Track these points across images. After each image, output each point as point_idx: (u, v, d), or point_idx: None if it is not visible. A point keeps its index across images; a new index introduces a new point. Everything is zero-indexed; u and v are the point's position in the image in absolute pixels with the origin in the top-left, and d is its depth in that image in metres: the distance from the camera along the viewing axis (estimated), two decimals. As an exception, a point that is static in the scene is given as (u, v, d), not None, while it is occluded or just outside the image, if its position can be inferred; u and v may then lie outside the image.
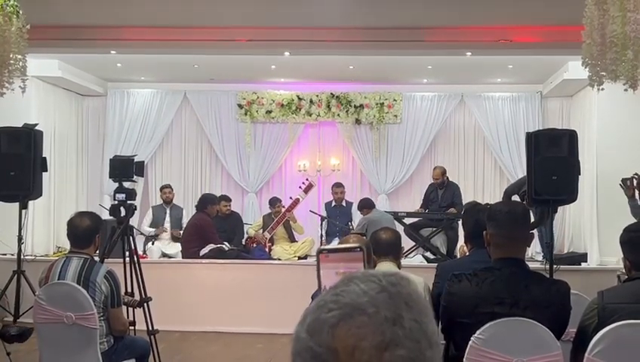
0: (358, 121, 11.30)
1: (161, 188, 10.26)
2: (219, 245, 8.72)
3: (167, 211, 10.01)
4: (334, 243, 9.09)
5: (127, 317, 4.86)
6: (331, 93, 11.29)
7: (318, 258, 1.38)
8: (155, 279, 6.66)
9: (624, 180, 6.23)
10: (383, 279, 0.95)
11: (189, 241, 8.79)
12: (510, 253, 3.12)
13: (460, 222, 8.79)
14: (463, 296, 3.11)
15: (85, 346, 4.08)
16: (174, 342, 7.26)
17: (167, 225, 9.91)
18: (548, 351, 2.96)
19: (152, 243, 9.45)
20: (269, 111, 11.32)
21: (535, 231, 8.67)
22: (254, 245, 9.47)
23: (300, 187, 9.97)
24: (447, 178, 9.85)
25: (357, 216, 10.03)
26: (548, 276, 5.63)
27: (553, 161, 5.78)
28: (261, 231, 9.71)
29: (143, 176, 7.36)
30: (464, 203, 9.08)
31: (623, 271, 4.40)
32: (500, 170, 11.09)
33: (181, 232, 9.53)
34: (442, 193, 9.76)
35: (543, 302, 3.01)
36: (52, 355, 4.20)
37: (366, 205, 9.34)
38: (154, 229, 9.72)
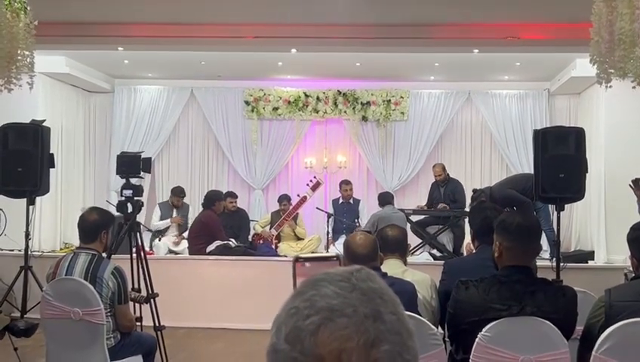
0: (364, 118, 11.29)
1: (175, 194, 10.06)
2: (225, 242, 8.73)
3: (174, 208, 10.01)
4: (341, 240, 9.10)
5: (134, 313, 4.86)
6: (338, 90, 11.29)
7: (294, 266, 1.36)
8: (162, 275, 6.67)
9: (635, 181, 6.16)
10: (352, 277, 0.93)
11: (196, 238, 8.80)
12: (520, 262, 3.12)
13: (466, 220, 8.83)
14: (471, 303, 3.12)
15: (92, 342, 4.09)
16: (181, 338, 7.28)
17: (174, 224, 9.92)
18: (555, 349, 2.96)
19: (159, 240, 9.47)
20: (275, 108, 11.33)
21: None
22: (261, 242, 9.48)
23: (307, 185, 9.98)
24: (448, 174, 9.87)
25: (364, 214, 10.04)
26: (555, 277, 5.65)
27: (560, 158, 5.76)
28: (268, 227, 9.72)
29: (149, 173, 7.38)
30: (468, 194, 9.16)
31: (630, 269, 4.39)
32: (507, 168, 11.06)
33: (185, 235, 9.54)
34: (444, 190, 9.77)
35: (550, 308, 3.00)
36: (59, 351, 4.21)
37: (381, 199, 9.34)
38: (166, 221, 9.68)
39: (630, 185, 6.20)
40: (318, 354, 0.86)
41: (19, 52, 5.16)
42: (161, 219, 9.90)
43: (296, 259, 1.66)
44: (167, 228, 9.83)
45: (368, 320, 0.88)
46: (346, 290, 0.91)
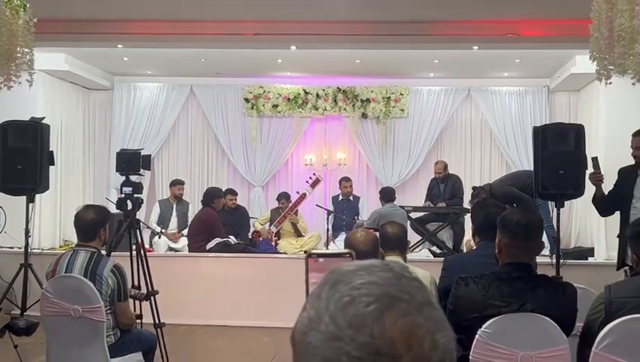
0: (364, 116, 11.29)
1: (175, 184, 10.18)
2: (225, 239, 8.73)
3: (174, 206, 10.03)
4: (341, 237, 9.10)
5: (134, 311, 4.87)
6: (338, 88, 11.28)
7: (306, 262, 1.36)
8: (162, 272, 6.67)
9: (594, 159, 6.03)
10: (392, 267, 0.94)
11: (196, 235, 8.80)
12: (520, 259, 3.12)
13: (466, 217, 8.83)
14: (470, 299, 3.12)
15: (92, 339, 4.09)
16: (181, 335, 7.28)
17: (173, 219, 9.94)
18: (555, 346, 2.96)
19: (159, 237, 9.47)
20: (275, 106, 11.33)
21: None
22: (261, 239, 9.48)
23: (307, 181, 9.98)
24: (448, 172, 9.87)
25: (364, 211, 10.04)
26: (555, 274, 5.65)
27: (560, 155, 5.76)
28: (267, 224, 9.72)
29: (149, 170, 7.37)
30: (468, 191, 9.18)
31: (630, 265, 4.36)
32: (506, 165, 11.06)
33: (184, 232, 9.56)
34: (444, 187, 9.77)
35: (550, 305, 3.00)
36: (59, 348, 4.21)
37: (384, 194, 9.32)
38: (161, 227, 9.71)
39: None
40: (389, 337, 0.86)
41: (18, 49, 5.17)
42: (161, 216, 9.91)
43: (309, 255, 1.68)
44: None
45: (426, 306, 0.90)
46: (394, 279, 0.92)
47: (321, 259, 1.36)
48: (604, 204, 5.96)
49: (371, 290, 0.89)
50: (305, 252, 8.96)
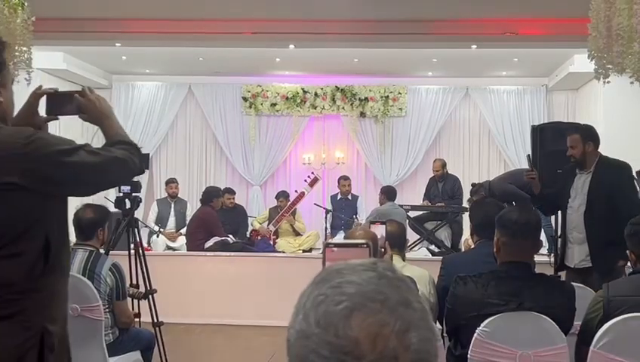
0: (362, 114, 11.29)
1: (167, 183, 10.23)
2: (223, 238, 8.74)
3: (172, 205, 10.03)
4: (339, 236, 9.09)
5: (132, 309, 4.86)
6: (336, 86, 11.28)
7: (324, 251, 1.36)
8: (160, 271, 6.65)
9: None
10: (376, 266, 0.94)
11: (194, 234, 8.80)
12: (519, 257, 3.12)
13: (464, 216, 8.83)
14: (469, 298, 3.11)
15: (90, 338, 4.09)
16: (179, 334, 7.27)
17: (171, 218, 9.93)
18: (553, 344, 2.96)
19: (157, 236, 9.46)
20: (273, 104, 11.33)
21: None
22: (259, 238, 9.48)
23: (305, 180, 9.97)
24: (447, 171, 9.86)
25: (362, 209, 10.03)
26: (553, 272, 5.64)
27: (558, 154, 5.75)
28: (266, 223, 9.72)
29: (147, 169, 7.34)
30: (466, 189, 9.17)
31: (629, 263, 4.34)
32: (504, 164, 11.07)
33: (182, 231, 9.55)
34: (442, 186, 9.76)
35: (548, 303, 3.00)
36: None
37: (387, 193, 9.30)
38: (159, 226, 9.70)
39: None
40: (354, 337, 0.86)
41: (16, 48, 5.16)
42: (159, 215, 9.90)
43: (327, 245, 1.68)
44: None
45: (400, 306, 0.89)
46: (375, 278, 0.91)
47: (336, 249, 1.35)
48: (545, 203, 5.82)
49: (346, 289, 0.90)
50: (303, 251, 9.01)
